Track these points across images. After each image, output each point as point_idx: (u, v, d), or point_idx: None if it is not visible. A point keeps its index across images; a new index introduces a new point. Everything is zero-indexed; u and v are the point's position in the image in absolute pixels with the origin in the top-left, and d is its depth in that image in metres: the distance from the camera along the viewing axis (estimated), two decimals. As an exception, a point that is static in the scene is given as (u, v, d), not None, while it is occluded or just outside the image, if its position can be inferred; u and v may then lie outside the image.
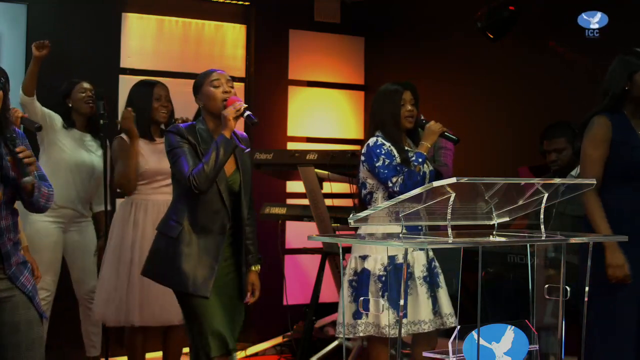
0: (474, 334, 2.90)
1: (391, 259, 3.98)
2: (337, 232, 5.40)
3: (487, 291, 3.06)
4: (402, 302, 2.91)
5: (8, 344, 3.17)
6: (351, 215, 2.98)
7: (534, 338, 3.10)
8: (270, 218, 5.96)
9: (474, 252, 2.99)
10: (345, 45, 7.14)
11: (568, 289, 3.16)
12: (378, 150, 4.11)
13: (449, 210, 2.84)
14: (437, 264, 4.14)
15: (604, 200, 3.82)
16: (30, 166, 3.09)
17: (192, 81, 3.88)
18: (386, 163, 4.08)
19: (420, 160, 4.09)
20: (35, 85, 4.86)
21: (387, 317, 3.89)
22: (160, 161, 4.54)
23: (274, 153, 5.74)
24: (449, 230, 2.89)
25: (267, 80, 6.75)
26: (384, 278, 3.98)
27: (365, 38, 7.18)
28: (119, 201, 5.23)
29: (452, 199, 2.82)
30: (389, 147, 4.12)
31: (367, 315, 3.98)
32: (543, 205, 3.09)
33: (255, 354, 6.19)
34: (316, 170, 5.45)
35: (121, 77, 6.11)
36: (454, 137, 4.24)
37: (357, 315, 4.01)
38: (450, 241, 2.88)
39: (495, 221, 3.17)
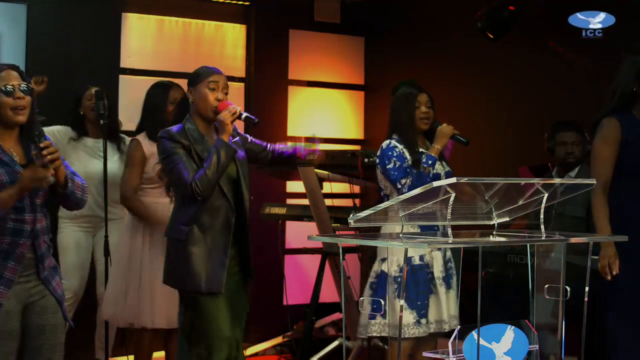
0: (474, 334, 2.91)
1: (409, 260, 4.05)
2: (337, 232, 5.40)
3: (487, 291, 3.06)
4: (402, 302, 2.92)
5: (31, 346, 3.19)
6: (351, 215, 2.98)
7: (534, 338, 3.10)
8: (270, 218, 5.96)
9: (474, 252, 3.00)
10: (345, 45, 7.13)
11: (568, 289, 3.16)
12: (390, 153, 4.19)
13: (449, 210, 2.84)
14: (452, 264, 4.18)
15: (613, 199, 3.89)
16: (54, 162, 3.10)
17: (192, 81, 3.88)
18: (397, 165, 4.15)
19: (430, 162, 4.16)
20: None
21: (405, 317, 3.96)
22: None
23: (274, 153, 5.74)
24: (449, 230, 2.89)
25: (267, 80, 6.74)
26: (399, 279, 4.02)
27: (365, 38, 7.18)
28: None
29: (452, 199, 2.82)
30: (402, 149, 4.20)
31: (382, 315, 4.03)
32: (543, 205, 3.10)
33: (255, 354, 6.19)
34: (316, 170, 5.46)
35: (121, 77, 6.11)
36: (464, 140, 4.28)
37: (372, 316, 4.06)
38: (450, 241, 2.88)
39: (495, 221, 3.17)
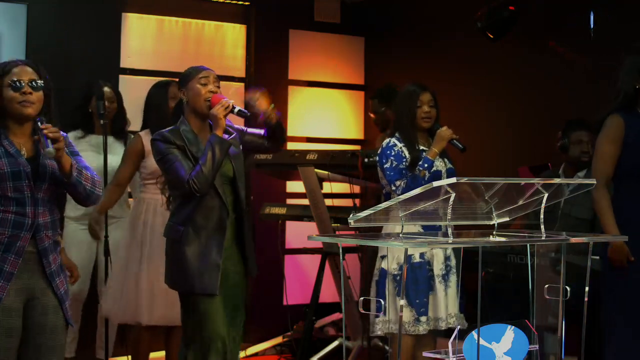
0: (474, 334, 2.90)
1: (409, 258, 4.05)
2: (337, 232, 5.40)
3: (487, 291, 3.06)
4: (402, 302, 2.91)
5: (31, 345, 3.19)
6: (351, 215, 2.98)
7: (534, 338, 3.10)
8: (270, 218, 5.96)
9: (474, 252, 3.00)
10: (345, 45, 7.13)
11: (568, 289, 3.16)
12: (388, 152, 4.20)
13: (449, 210, 2.84)
14: (451, 262, 4.18)
15: (613, 200, 3.91)
16: (57, 142, 3.07)
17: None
18: (393, 165, 4.17)
19: (426, 165, 4.15)
20: None
21: (405, 315, 3.98)
22: None
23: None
24: (449, 230, 2.89)
25: (267, 80, 6.72)
26: (398, 277, 4.03)
27: (365, 38, 7.18)
28: (129, 201, 5.22)
29: (452, 199, 2.82)
30: (401, 148, 4.20)
31: (384, 313, 4.04)
32: (543, 205, 3.10)
33: (255, 354, 6.19)
34: (316, 170, 5.45)
35: (121, 77, 6.11)
36: (461, 146, 4.25)
37: (377, 314, 4.08)
38: (450, 241, 2.88)
39: (495, 221, 3.17)
